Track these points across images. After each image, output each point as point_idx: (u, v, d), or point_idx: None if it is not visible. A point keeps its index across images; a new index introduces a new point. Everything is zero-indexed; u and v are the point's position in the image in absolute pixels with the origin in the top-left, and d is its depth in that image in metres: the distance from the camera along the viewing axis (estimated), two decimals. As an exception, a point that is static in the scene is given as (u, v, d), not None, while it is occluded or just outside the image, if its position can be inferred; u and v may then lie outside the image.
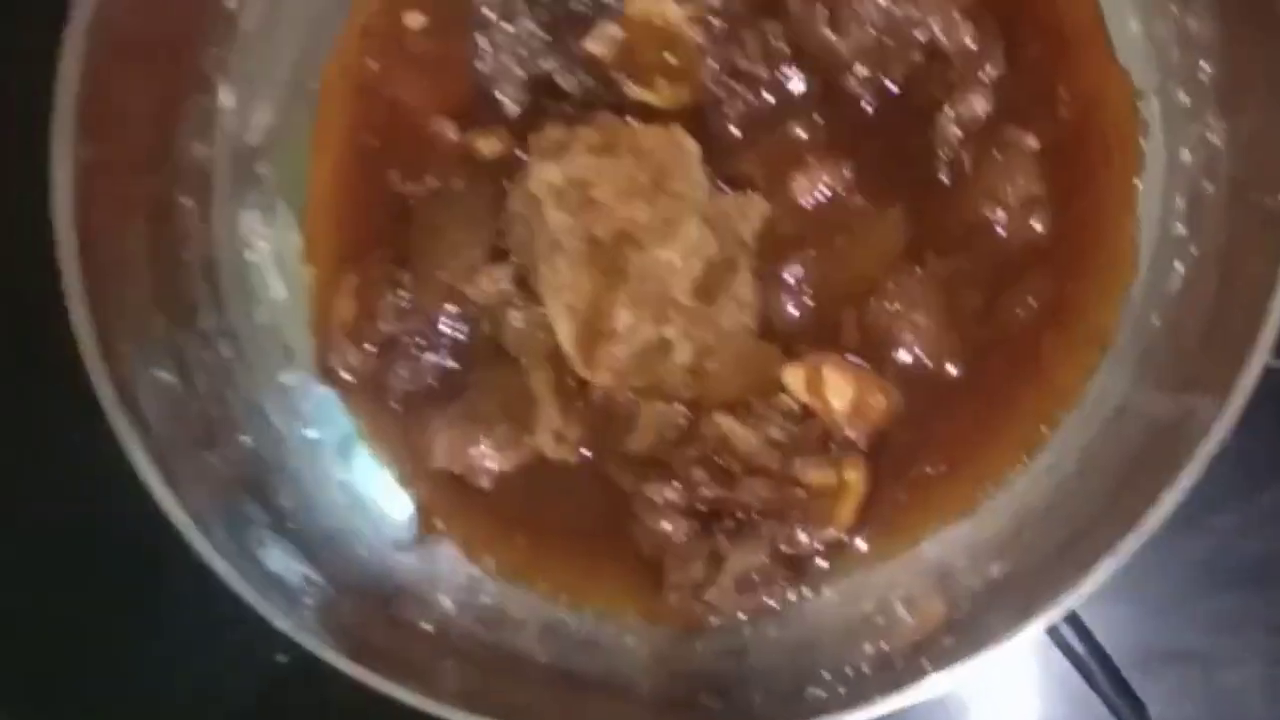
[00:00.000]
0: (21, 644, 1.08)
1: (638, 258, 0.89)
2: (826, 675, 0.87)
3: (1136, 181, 0.92)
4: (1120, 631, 0.96)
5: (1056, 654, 0.93)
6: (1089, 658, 0.91)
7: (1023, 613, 0.79)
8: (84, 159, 0.86)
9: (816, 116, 0.95)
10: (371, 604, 0.92)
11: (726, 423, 0.89)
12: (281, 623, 0.84)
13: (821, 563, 0.91)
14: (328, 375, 0.99)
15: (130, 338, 0.88)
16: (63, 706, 1.08)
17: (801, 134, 0.95)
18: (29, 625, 1.08)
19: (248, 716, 1.06)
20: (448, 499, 0.97)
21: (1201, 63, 0.89)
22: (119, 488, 0.87)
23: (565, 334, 0.90)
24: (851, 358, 0.92)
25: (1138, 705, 0.92)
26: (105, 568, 1.07)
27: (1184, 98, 0.91)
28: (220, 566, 0.84)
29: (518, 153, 0.96)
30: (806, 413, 0.91)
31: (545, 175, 0.90)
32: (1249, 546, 0.99)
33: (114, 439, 0.85)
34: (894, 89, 0.95)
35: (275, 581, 0.87)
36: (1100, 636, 0.93)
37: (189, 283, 0.95)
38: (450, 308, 0.96)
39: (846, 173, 0.94)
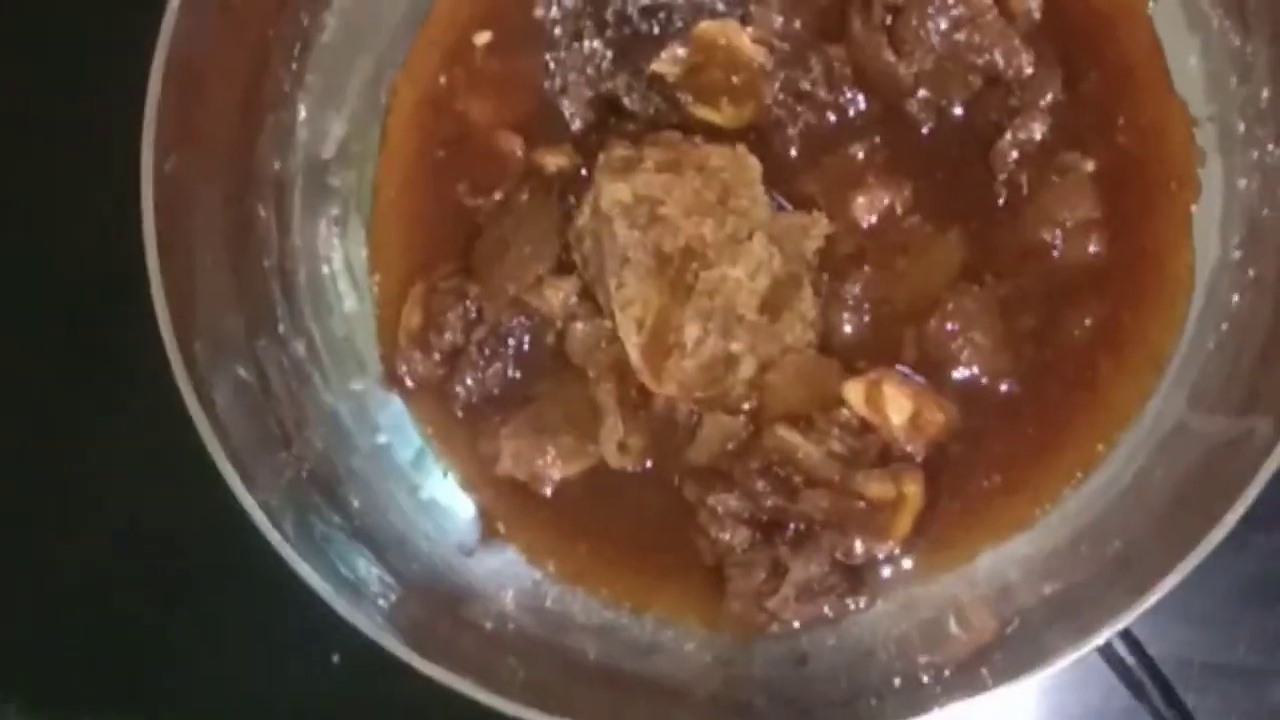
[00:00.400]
0: (86, 638, 1.10)
1: (705, 274, 0.91)
2: (882, 684, 0.88)
3: (1193, 208, 0.94)
4: (1168, 646, 0.96)
5: (1103, 666, 0.94)
6: (1140, 670, 0.92)
7: (1079, 630, 0.81)
8: (167, 171, 0.89)
9: (877, 139, 0.97)
10: (437, 603, 0.94)
11: (788, 435, 0.91)
12: (353, 618, 0.85)
13: (880, 573, 0.93)
14: (394, 382, 1.01)
15: (210, 340, 0.90)
16: (121, 701, 1.10)
17: (862, 155, 0.97)
18: (94, 619, 1.10)
19: (301, 714, 1.08)
20: (511, 505, 0.99)
21: (1260, 91, 0.90)
22: (191, 486, 0.90)
23: (633, 346, 0.92)
24: (911, 374, 0.93)
25: (1187, 717, 0.93)
26: (169, 566, 1.09)
27: (1241, 126, 0.92)
28: (296, 563, 0.85)
29: (583, 169, 0.98)
30: (866, 427, 0.92)
31: (616, 193, 0.92)
32: (1294, 565, 1.00)
33: (193, 438, 0.87)
34: (955, 113, 0.96)
35: (346, 579, 0.89)
36: (1149, 650, 0.94)
37: (266, 290, 0.98)
38: (516, 318, 0.98)
39: (906, 194, 0.96)
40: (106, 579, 1.10)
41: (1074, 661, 0.81)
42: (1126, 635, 0.92)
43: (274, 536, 0.86)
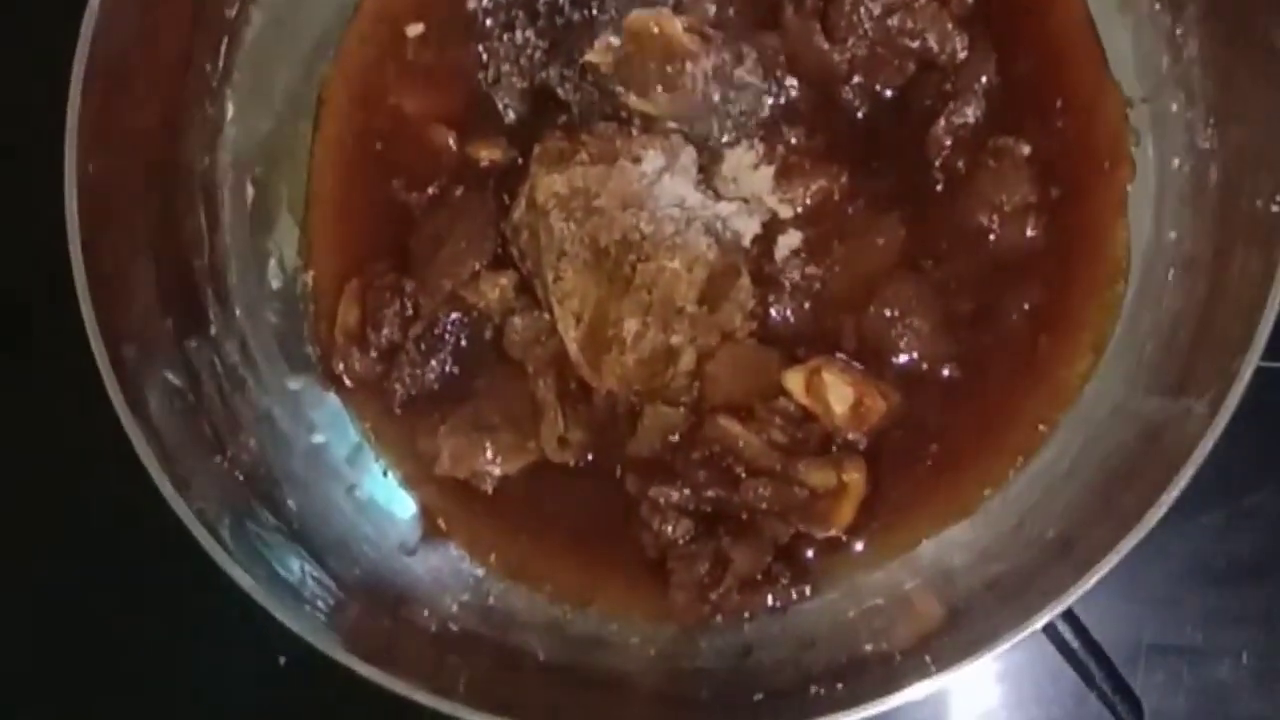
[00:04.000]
0: (26, 642, 1.09)
1: (643, 266, 0.91)
2: (828, 673, 0.88)
3: (1128, 188, 0.94)
4: (1113, 627, 0.97)
5: (1051, 650, 0.95)
6: (1085, 654, 0.92)
7: (1023, 611, 0.81)
8: (92, 172, 0.87)
9: (812, 126, 0.97)
10: (379, 605, 0.93)
11: (729, 425, 0.91)
12: (291, 623, 0.84)
13: (824, 562, 0.93)
14: (331, 380, 1.00)
15: (139, 343, 0.89)
16: (65, 706, 1.09)
17: (798, 142, 0.96)
18: (32, 625, 1.09)
19: (248, 716, 1.07)
20: (452, 502, 0.99)
21: (1191, 71, 0.91)
22: (128, 491, 0.87)
23: (572, 341, 0.91)
24: (851, 361, 0.93)
25: (1133, 700, 0.94)
26: (111, 571, 1.07)
27: (1174, 106, 0.92)
28: (231, 569, 0.85)
29: (518, 161, 0.98)
30: (807, 415, 0.92)
31: (551, 185, 0.92)
32: (1236, 544, 1.01)
33: (126, 443, 0.86)
34: (889, 98, 0.96)
35: (284, 583, 0.88)
36: (1094, 633, 0.94)
37: (197, 291, 0.96)
38: (453, 314, 0.97)
39: (843, 180, 0.96)
40: (47, 585, 1.08)
41: (1026, 646, 0.82)
42: (1071, 618, 0.93)
43: (209, 542, 0.85)
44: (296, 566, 0.90)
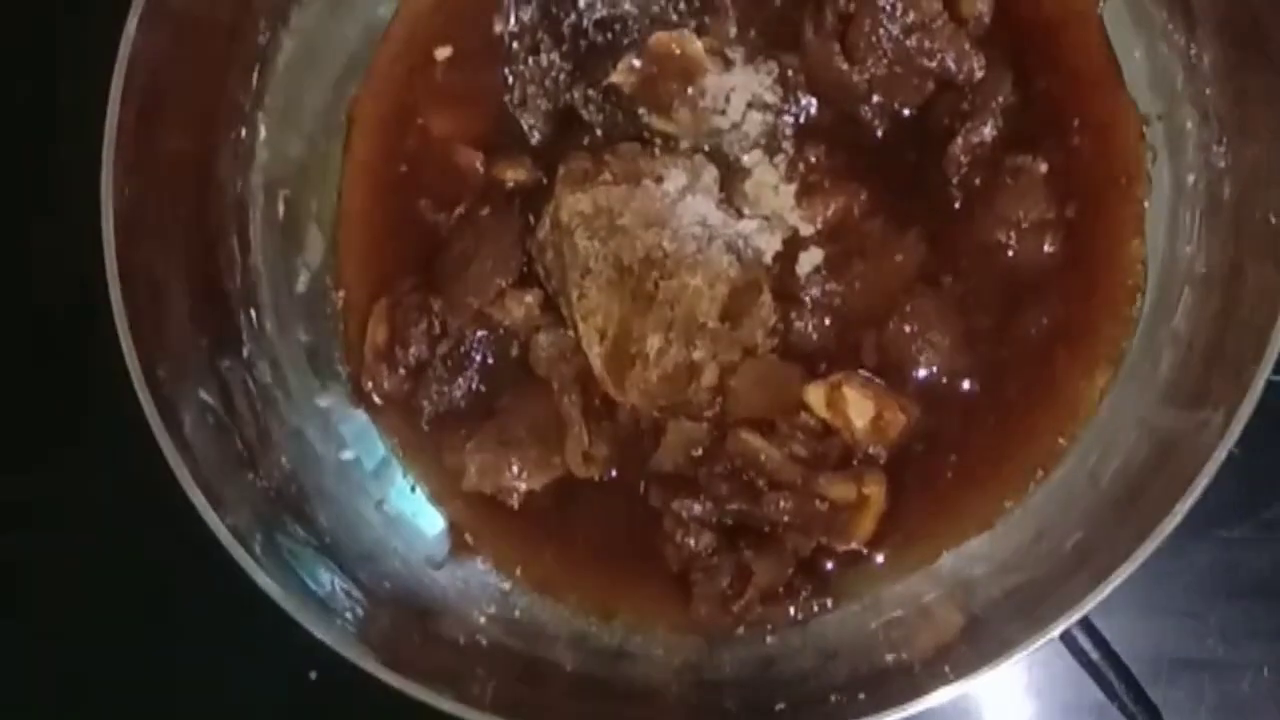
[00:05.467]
0: (60, 661, 1.10)
1: (665, 283, 0.92)
2: (849, 683, 0.89)
3: (1144, 204, 0.95)
4: (1134, 641, 0.97)
5: (1071, 661, 0.95)
6: (1104, 665, 0.92)
7: (1041, 621, 0.81)
8: (128, 195, 0.89)
9: (832, 144, 0.98)
10: (407, 617, 0.94)
11: (751, 439, 0.91)
12: (322, 635, 0.85)
13: (845, 575, 0.93)
14: (360, 398, 1.02)
15: (173, 362, 0.90)
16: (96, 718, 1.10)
17: (818, 161, 0.97)
18: (68, 642, 1.10)
19: (279, 732, 1.08)
20: (478, 517, 1.00)
21: (1206, 90, 0.91)
22: (160, 507, 0.89)
23: (596, 357, 0.93)
24: (871, 376, 0.94)
25: (1153, 712, 0.94)
26: (142, 586, 1.09)
27: (1189, 123, 0.93)
28: (264, 582, 0.86)
29: (543, 181, 0.99)
30: (828, 430, 0.93)
31: (575, 204, 0.93)
32: (1258, 557, 1.01)
33: (160, 462, 0.87)
34: (908, 117, 0.97)
35: (315, 596, 0.89)
36: (1115, 646, 0.94)
37: (230, 311, 0.98)
38: (480, 332, 0.99)
39: (862, 198, 0.97)
40: (80, 602, 1.10)
41: (1048, 659, 0.82)
42: (1090, 630, 0.93)
43: (242, 557, 0.86)
44: (327, 580, 0.91)
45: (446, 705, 0.83)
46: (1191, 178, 0.93)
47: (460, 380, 0.99)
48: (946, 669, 0.83)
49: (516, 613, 0.98)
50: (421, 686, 0.84)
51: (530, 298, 0.97)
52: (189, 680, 1.08)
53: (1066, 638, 0.92)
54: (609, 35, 1.00)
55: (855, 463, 0.93)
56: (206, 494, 0.87)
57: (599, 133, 1.00)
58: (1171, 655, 1.00)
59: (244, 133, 1.00)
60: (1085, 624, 0.91)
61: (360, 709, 0.98)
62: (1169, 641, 1.00)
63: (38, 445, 1.12)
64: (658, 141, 0.99)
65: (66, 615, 1.10)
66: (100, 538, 1.09)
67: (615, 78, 0.98)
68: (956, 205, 0.96)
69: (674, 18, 0.99)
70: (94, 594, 1.10)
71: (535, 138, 1.01)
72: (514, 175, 1.01)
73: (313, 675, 1.05)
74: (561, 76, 1.01)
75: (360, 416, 1.02)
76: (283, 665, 1.03)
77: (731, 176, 0.97)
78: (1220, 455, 0.78)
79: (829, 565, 0.94)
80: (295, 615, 0.86)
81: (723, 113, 0.98)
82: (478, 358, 0.99)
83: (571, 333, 0.95)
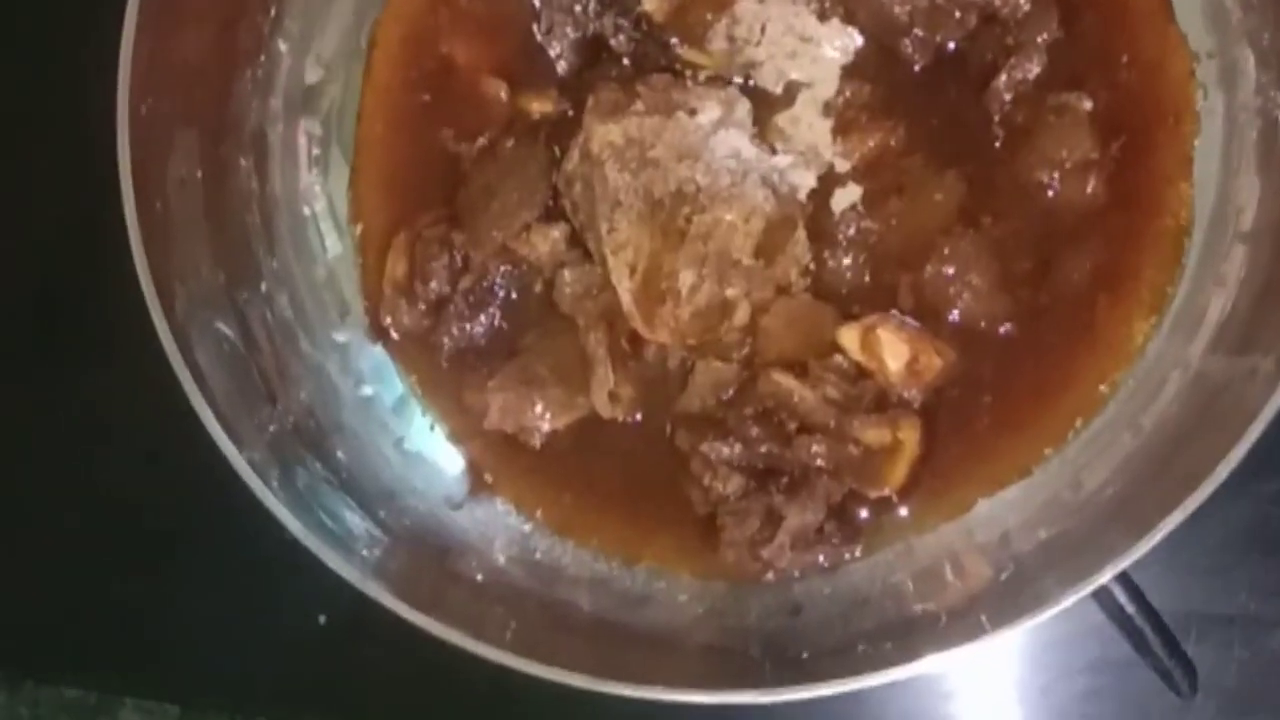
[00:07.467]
0: (73, 602, 1.09)
1: (699, 218, 0.90)
2: (877, 632, 0.87)
3: (1193, 144, 0.92)
4: (1163, 595, 0.95)
5: (1098, 618, 0.93)
6: (1140, 619, 0.91)
7: (1079, 573, 0.79)
8: (143, 114, 0.87)
9: (871, 79, 0.95)
10: (426, 556, 0.93)
11: (783, 380, 0.89)
12: (341, 569, 0.84)
13: (877, 522, 0.92)
14: (379, 333, 1.00)
15: (191, 294, 0.89)
16: (106, 664, 1.10)
17: (855, 96, 0.95)
18: (80, 582, 1.09)
19: (288, 675, 1.06)
20: (499, 456, 0.98)
21: (1264, 24, 0.88)
22: (176, 445, 0.89)
23: (625, 292, 0.90)
24: (907, 319, 0.92)
25: (1189, 667, 0.92)
26: (147, 533, 1.08)
27: (1243, 61, 0.90)
28: (284, 516, 0.84)
29: (569, 113, 0.97)
30: (861, 372, 0.91)
31: (606, 135, 0.90)
32: (1294, 512, 1.00)
33: (177, 396, 0.85)
34: (949, 52, 0.94)
35: (333, 533, 0.87)
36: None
37: (247, 240, 0.96)
38: (503, 267, 0.97)
39: (900, 134, 0.94)
40: (93, 542, 1.09)
41: (1075, 613, 0.81)
42: (1129, 584, 0.91)
43: (260, 490, 0.85)
44: (345, 516, 0.90)
45: (466, 643, 0.82)
46: (1244, 118, 0.90)
47: (482, 317, 0.97)
48: (980, 620, 0.81)
49: (537, 555, 0.96)
50: (440, 623, 0.82)
51: (556, 232, 0.95)
52: (195, 621, 1.07)
53: (1101, 592, 0.90)
54: (641, -38, 0.97)
55: (889, 407, 0.91)
56: (224, 427, 0.85)
57: (628, 63, 0.97)
58: (1201, 610, 0.98)
59: (262, 58, 0.98)
60: (1123, 577, 0.89)
61: (372, 653, 0.99)
62: (1199, 596, 0.99)
63: (53, 383, 1.10)
64: (689, 73, 0.96)
65: (77, 551, 1.09)
66: (114, 476, 1.08)
67: (646, 5, 0.96)
68: (998, 144, 0.93)
69: (709, -57, 0.96)
70: (105, 532, 1.08)
71: (562, 68, 0.99)
72: (540, 106, 0.98)
73: (322, 619, 1.03)
74: (591, 4, 0.98)
75: (379, 353, 1.00)
76: (292, 608, 1.02)
77: (766, 110, 0.95)
78: (1276, 402, 0.76)
79: (861, 512, 0.92)
80: (314, 550, 0.84)
81: (757, 44, 0.95)
82: (500, 294, 0.97)
83: (599, 269, 0.93)
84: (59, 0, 1.10)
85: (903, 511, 0.92)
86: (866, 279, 0.93)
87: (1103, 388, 0.92)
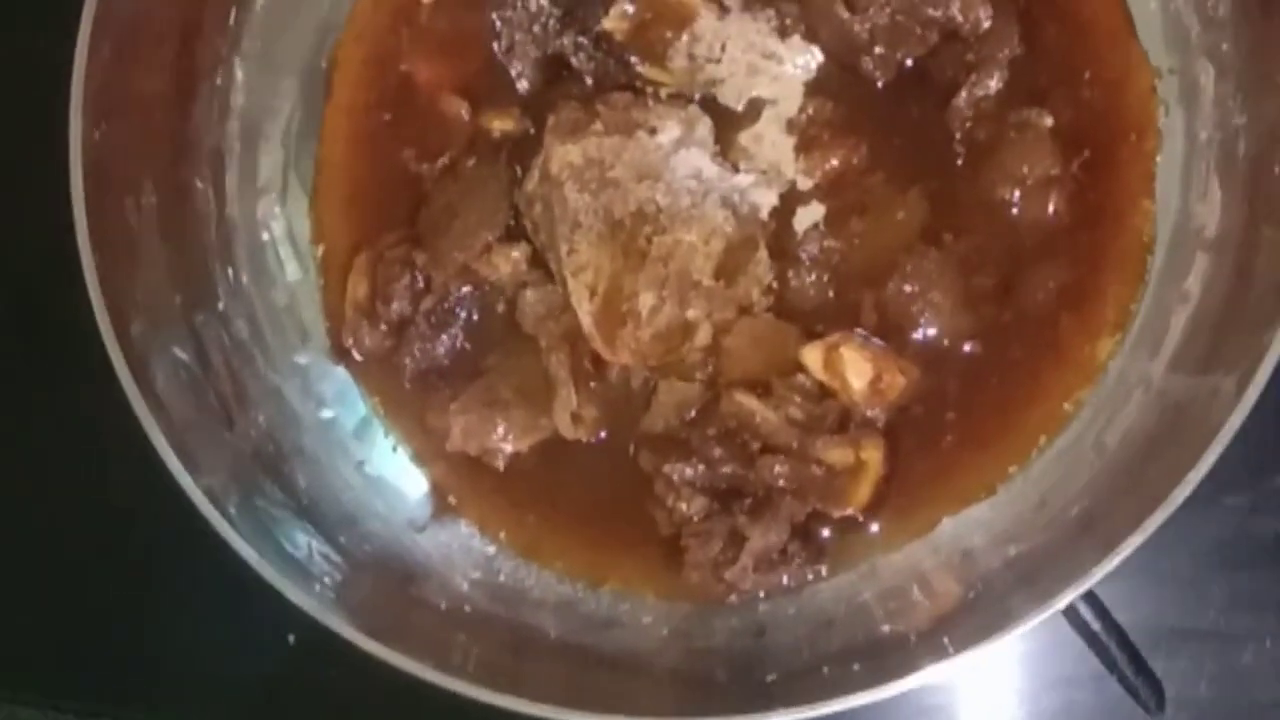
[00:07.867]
0: (36, 621, 1.08)
1: (659, 239, 0.89)
2: (843, 654, 0.87)
3: (1155, 161, 0.92)
4: (1134, 611, 0.95)
5: (1071, 634, 0.93)
6: (1106, 636, 0.91)
7: (1044, 592, 0.79)
8: (98, 139, 0.86)
9: (832, 96, 0.95)
10: (388, 581, 0.92)
11: (746, 401, 0.89)
12: (299, 600, 0.83)
13: (841, 542, 0.91)
14: (341, 355, 0.99)
15: (147, 318, 0.88)
16: (73, 685, 1.08)
17: (818, 113, 0.95)
18: (43, 606, 1.08)
19: (257, 695, 1.06)
20: (462, 479, 0.97)
21: (1223, 42, 0.88)
22: (137, 468, 0.87)
23: (586, 314, 0.90)
24: (870, 337, 0.92)
25: (1155, 684, 0.92)
26: (119, 548, 1.07)
27: (1203, 77, 0.90)
28: (239, 545, 0.83)
29: (531, 132, 0.96)
30: (825, 392, 0.91)
31: (566, 155, 0.90)
32: (1262, 526, 0.99)
33: (135, 421, 0.84)
34: (910, 69, 0.94)
35: (293, 560, 0.87)
36: (1117, 616, 0.93)
37: (205, 264, 0.95)
38: (465, 287, 0.96)
39: (862, 152, 0.94)
40: (56, 564, 1.08)
41: (1044, 629, 0.80)
42: (1093, 601, 0.91)
43: (217, 519, 0.84)
44: (305, 543, 0.89)
45: (428, 674, 0.81)
46: (1205, 134, 0.90)
47: (444, 338, 0.97)
48: (945, 641, 0.81)
49: (501, 578, 0.96)
50: (402, 654, 0.82)
51: (517, 252, 0.95)
52: (164, 642, 1.06)
53: (1067, 608, 0.89)
54: (602, -20, 0.97)
55: (853, 426, 0.90)
56: (180, 454, 0.84)
57: (590, 82, 0.97)
58: (1172, 626, 0.98)
59: (220, 78, 0.97)
60: (1088, 594, 0.88)
61: (341, 671, 0.96)
62: (1169, 612, 0.98)
63: (11, 408, 1.09)
64: (650, 91, 0.96)
65: (40, 575, 1.08)
66: (75, 502, 1.07)
67: (607, 24, 0.95)
68: (960, 161, 0.93)
69: (669, -38, 0.96)
70: (67, 559, 1.07)
71: (523, 86, 0.98)
72: (501, 125, 0.98)
73: (291, 639, 1.02)
74: (551, 22, 0.97)
75: (340, 375, 0.99)
76: (262, 628, 1.00)
77: (727, 129, 0.95)
78: (1236, 422, 0.75)
79: (825, 532, 0.92)
80: (271, 580, 0.83)
81: (718, 62, 0.95)
82: (462, 314, 0.97)
83: (560, 289, 0.93)
84: (12, 20, 1.09)
85: (868, 531, 0.92)
86: (830, 297, 0.93)
87: (1067, 405, 0.92)
